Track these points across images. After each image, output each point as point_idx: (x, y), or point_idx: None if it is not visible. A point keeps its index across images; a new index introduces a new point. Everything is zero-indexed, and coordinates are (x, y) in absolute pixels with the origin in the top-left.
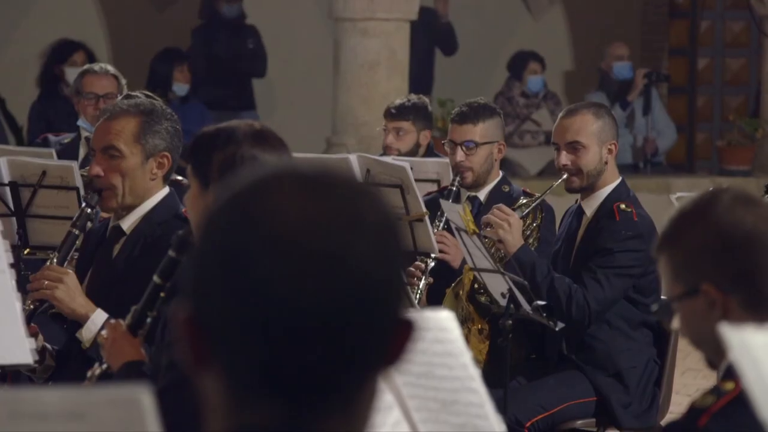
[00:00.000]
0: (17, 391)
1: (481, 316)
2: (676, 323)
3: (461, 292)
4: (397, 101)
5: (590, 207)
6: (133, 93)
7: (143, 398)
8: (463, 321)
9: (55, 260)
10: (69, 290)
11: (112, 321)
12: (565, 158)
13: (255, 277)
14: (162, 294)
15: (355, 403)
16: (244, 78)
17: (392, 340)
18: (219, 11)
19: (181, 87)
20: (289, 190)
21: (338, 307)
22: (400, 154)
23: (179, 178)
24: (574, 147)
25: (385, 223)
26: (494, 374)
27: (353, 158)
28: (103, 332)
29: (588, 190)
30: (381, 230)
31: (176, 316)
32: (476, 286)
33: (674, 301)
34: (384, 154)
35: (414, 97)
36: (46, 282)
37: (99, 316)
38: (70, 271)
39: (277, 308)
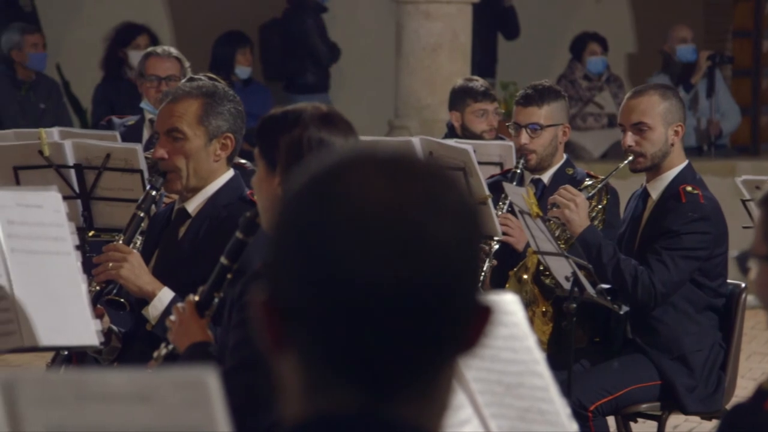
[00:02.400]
0: (84, 372)
1: (545, 298)
2: (752, 276)
3: (525, 275)
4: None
5: (656, 190)
6: (197, 76)
7: (209, 380)
8: (528, 304)
9: (120, 242)
10: (134, 268)
11: (179, 304)
12: (630, 139)
13: (334, 259)
14: (229, 275)
15: (433, 389)
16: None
17: (470, 323)
18: None
19: (243, 70)
20: (368, 171)
21: (417, 290)
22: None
23: (242, 161)
24: (640, 128)
25: (464, 205)
26: (558, 357)
27: (416, 141)
28: (171, 317)
29: (653, 171)
30: (460, 212)
31: (254, 298)
32: (541, 267)
33: (755, 258)
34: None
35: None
36: (111, 263)
37: (165, 294)
38: (134, 251)
39: (355, 290)
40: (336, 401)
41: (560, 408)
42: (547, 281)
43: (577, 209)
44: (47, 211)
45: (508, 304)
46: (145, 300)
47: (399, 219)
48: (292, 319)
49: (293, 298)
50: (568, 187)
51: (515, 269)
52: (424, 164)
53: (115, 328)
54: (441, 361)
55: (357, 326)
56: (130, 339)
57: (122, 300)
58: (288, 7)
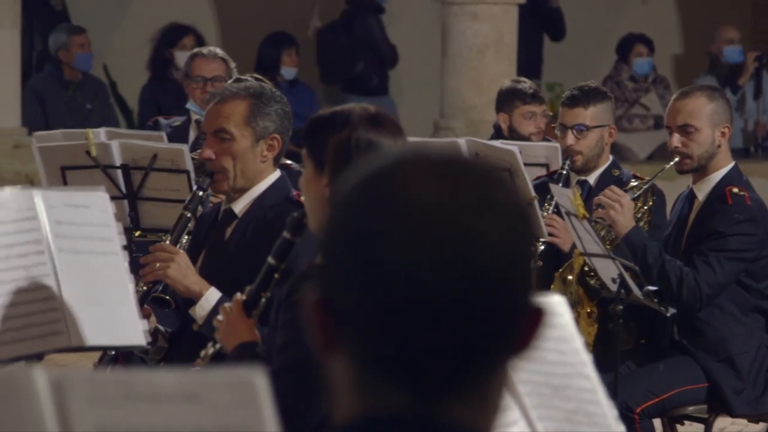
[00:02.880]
0: (133, 372)
1: (590, 300)
2: None
3: (570, 276)
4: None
5: (702, 191)
6: (243, 77)
7: (258, 380)
8: (573, 305)
9: (167, 242)
10: (181, 268)
11: (227, 304)
12: (677, 140)
13: (385, 260)
14: (276, 275)
15: (484, 392)
16: (380, 63)
17: (522, 325)
18: None
19: (289, 71)
20: (419, 173)
21: (469, 291)
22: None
23: (288, 162)
24: (686, 129)
25: (515, 207)
26: (603, 358)
27: (462, 142)
28: (219, 316)
29: (699, 173)
30: (512, 214)
31: (305, 298)
32: (586, 268)
33: None
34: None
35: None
36: (158, 263)
37: (212, 294)
38: (181, 251)
39: (408, 291)
40: (387, 402)
41: (607, 410)
42: (593, 282)
43: (623, 210)
44: (95, 211)
45: (556, 305)
46: (192, 300)
47: (450, 220)
48: (343, 319)
49: (344, 299)
50: (614, 188)
51: (560, 270)
52: (475, 166)
53: (161, 328)
54: (493, 362)
55: (408, 327)
56: (176, 339)
57: (167, 297)
58: (347, 8)
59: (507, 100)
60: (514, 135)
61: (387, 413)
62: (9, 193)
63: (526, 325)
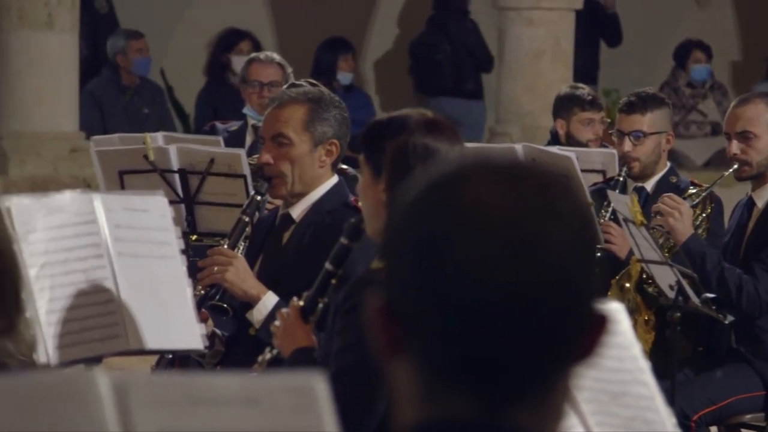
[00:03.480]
0: (194, 376)
1: (647, 307)
2: None
3: (627, 284)
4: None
5: (761, 198)
6: (298, 82)
7: (318, 385)
8: (630, 312)
9: (225, 246)
10: (239, 272)
11: (284, 309)
12: (735, 147)
13: (450, 265)
14: (333, 281)
15: (548, 398)
16: (474, 68)
17: (587, 332)
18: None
19: (345, 76)
20: (485, 178)
21: (534, 297)
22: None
23: (343, 166)
24: (746, 136)
25: (580, 213)
26: (660, 365)
27: (518, 148)
28: (276, 322)
29: (758, 180)
30: (576, 220)
31: (369, 303)
32: (644, 276)
33: None
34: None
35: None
36: (216, 267)
37: (270, 299)
38: (239, 255)
39: (473, 296)
40: (451, 408)
41: (665, 417)
42: (650, 290)
43: (682, 217)
44: (153, 215)
45: (614, 312)
46: (249, 304)
47: (516, 227)
48: (407, 325)
49: (409, 305)
50: (672, 195)
51: (617, 277)
52: (540, 172)
53: (218, 332)
54: (558, 369)
55: (474, 333)
56: (233, 343)
57: (225, 305)
58: (434, 14)
59: (565, 106)
60: (571, 141)
61: (451, 419)
62: (69, 196)
63: (590, 333)
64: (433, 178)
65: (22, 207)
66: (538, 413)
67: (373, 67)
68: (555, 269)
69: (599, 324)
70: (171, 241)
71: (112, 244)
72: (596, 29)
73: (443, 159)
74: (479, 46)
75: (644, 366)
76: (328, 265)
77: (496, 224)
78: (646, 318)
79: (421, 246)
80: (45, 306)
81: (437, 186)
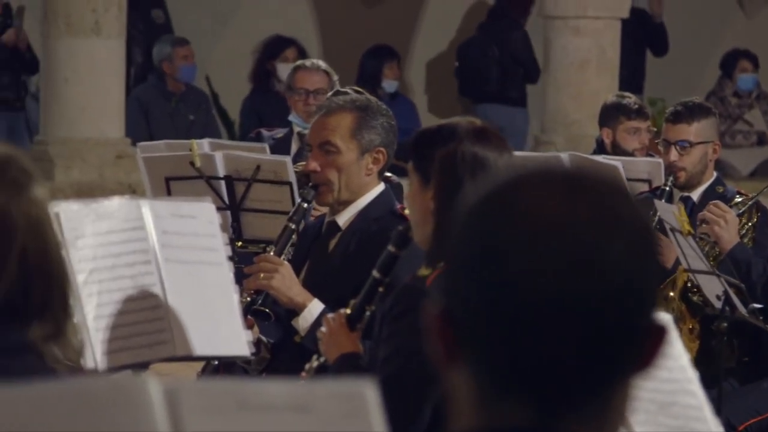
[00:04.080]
0: (244, 382)
1: (692, 316)
2: None
3: (672, 293)
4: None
5: None
6: (343, 89)
7: (368, 392)
8: (675, 321)
9: (271, 253)
10: (285, 279)
11: (329, 315)
12: None
13: (510, 273)
14: (380, 288)
15: (606, 409)
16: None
17: (645, 343)
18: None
19: (390, 84)
20: (546, 187)
21: (594, 306)
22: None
23: (388, 174)
24: None
25: (641, 223)
26: (704, 375)
27: (564, 156)
28: (322, 328)
29: None
30: (638, 230)
31: (427, 310)
32: (689, 284)
33: None
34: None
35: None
36: (263, 273)
37: (315, 306)
38: (285, 262)
39: (532, 305)
40: (508, 416)
41: (713, 427)
42: (695, 299)
43: (728, 226)
44: (201, 221)
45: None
46: (295, 311)
47: (576, 236)
48: (464, 332)
49: (468, 312)
50: (719, 203)
51: (661, 286)
52: (602, 181)
53: (264, 338)
54: (616, 380)
55: (532, 342)
56: (278, 350)
57: (267, 310)
58: (485, 22)
59: (611, 115)
60: (617, 150)
61: (508, 427)
62: (117, 202)
63: (649, 343)
64: (494, 186)
65: (70, 213)
66: (594, 424)
67: (418, 75)
68: (615, 279)
69: (658, 335)
70: (218, 247)
71: (159, 250)
72: (643, 38)
73: (503, 167)
74: (528, 58)
75: (692, 376)
76: (375, 273)
77: (555, 233)
78: (691, 327)
79: (480, 254)
80: (93, 312)
81: (497, 194)
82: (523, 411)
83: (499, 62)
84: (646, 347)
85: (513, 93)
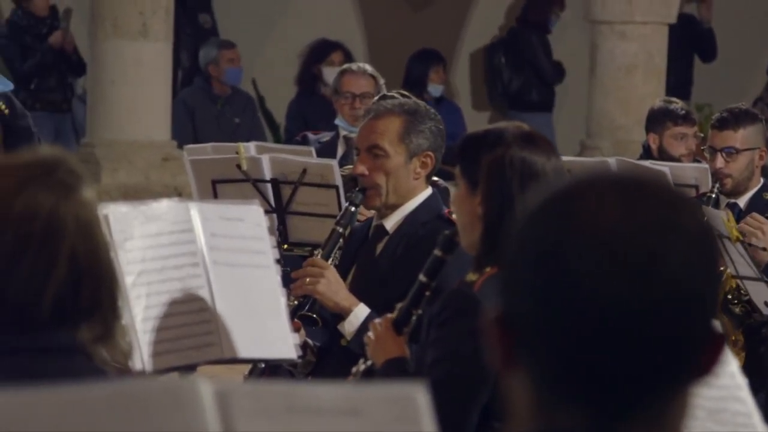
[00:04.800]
0: (295, 385)
1: (734, 327)
2: None
3: None
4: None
5: None
6: (389, 93)
7: (419, 396)
8: None
9: (318, 257)
10: (330, 284)
11: (376, 320)
12: None
13: (568, 278)
14: (427, 293)
15: (664, 416)
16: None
17: (704, 350)
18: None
19: (436, 88)
20: (605, 193)
21: (653, 313)
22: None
23: (435, 178)
24: None
25: (702, 231)
26: (751, 384)
27: (611, 162)
28: (369, 333)
29: None
30: (698, 238)
31: (486, 315)
32: (729, 296)
33: None
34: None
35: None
36: (308, 278)
37: (361, 311)
38: (331, 266)
39: (590, 311)
40: (566, 421)
41: None
42: (737, 310)
43: (764, 237)
44: (249, 224)
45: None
46: (341, 315)
47: (636, 243)
48: (522, 336)
49: (526, 317)
50: (755, 215)
51: None
52: (660, 187)
53: (310, 342)
54: (674, 387)
55: (590, 348)
56: (324, 353)
57: (314, 316)
58: (512, 26)
59: (658, 120)
60: (664, 156)
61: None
62: (166, 205)
63: (708, 350)
64: (552, 192)
65: (119, 215)
66: (653, 430)
67: (463, 79)
68: (675, 284)
69: (716, 342)
70: (266, 250)
71: (207, 253)
72: (690, 43)
73: (564, 173)
74: (542, 62)
75: (741, 382)
76: (422, 277)
77: (616, 238)
78: (734, 339)
79: (539, 258)
80: (141, 313)
81: (556, 199)
82: (581, 416)
83: (518, 67)
84: (705, 355)
85: (535, 98)
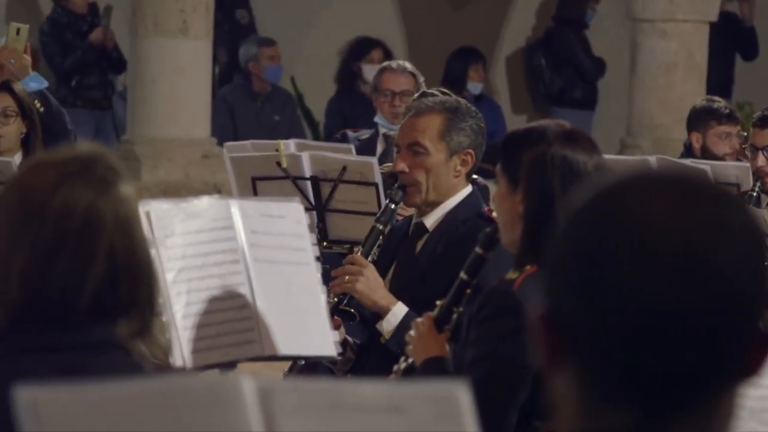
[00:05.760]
0: (338, 382)
1: None
2: None
3: None
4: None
5: None
6: (429, 90)
7: (461, 395)
8: None
9: (358, 254)
10: (369, 282)
11: (418, 319)
12: None
13: (615, 278)
14: (468, 290)
15: (711, 417)
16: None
17: (752, 351)
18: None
19: (475, 86)
20: (652, 191)
21: (700, 312)
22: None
23: (475, 176)
24: None
25: (751, 230)
26: None
27: (652, 160)
28: (411, 331)
29: None
30: (747, 237)
31: (532, 313)
32: None
33: None
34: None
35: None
36: (347, 276)
37: (399, 309)
38: (370, 264)
39: (637, 310)
40: (612, 421)
41: None
42: None
43: None
44: (289, 221)
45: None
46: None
47: (684, 242)
48: (568, 335)
49: (570, 315)
50: None
51: None
52: (707, 185)
53: (350, 339)
54: (721, 387)
55: (637, 347)
56: (363, 351)
57: (352, 310)
58: (550, 24)
59: (701, 119)
60: (707, 155)
61: (613, 431)
62: (207, 202)
63: (756, 350)
64: (599, 189)
65: (160, 212)
66: (699, 429)
67: (502, 77)
68: (721, 287)
69: (763, 342)
70: (306, 247)
71: (248, 250)
72: (732, 42)
73: (610, 171)
74: (583, 58)
75: None
76: (462, 275)
77: (663, 236)
78: None
79: (585, 258)
80: (181, 310)
81: (603, 197)
82: (627, 416)
83: (558, 67)
84: (752, 354)
85: (578, 95)
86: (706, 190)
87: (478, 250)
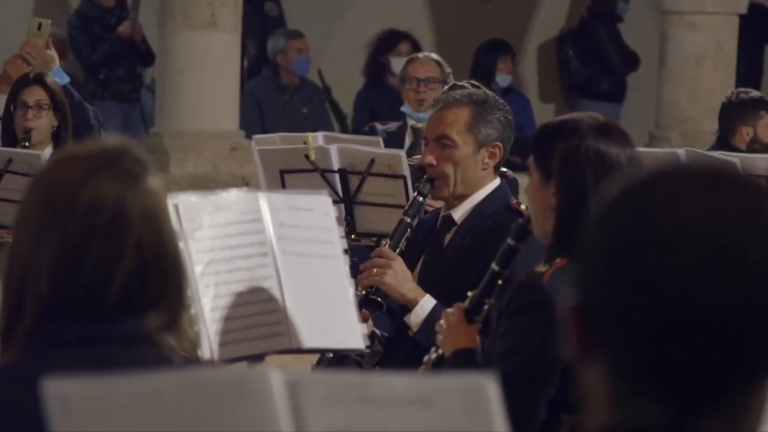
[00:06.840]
0: (366, 375)
1: None
2: None
3: None
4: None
5: None
6: (459, 83)
7: (490, 388)
8: None
9: (386, 247)
10: (397, 275)
11: (448, 310)
12: None
13: (647, 271)
14: (499, 282)
15: (742, 410)
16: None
17: None
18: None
19: (504, 78)
20: (686, 184)
21: (734, 306)
22: None
23: (503, 169)
24: None
25: None
26: None
27: (681, 153)
28: (441, 322)
29: None
30: None
31: (564, 306)
32: None
33: None
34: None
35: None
36: (375, 269)
37: (427, 302)
38: (398, 257)
39: (669, 303)
40: (644, 414)
41: None
42: None
43: None
44: (317, 214)
45: None
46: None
47: (717, 235)
48: (600, 327)
49: (602, 307)
50: None
51: None
52: (741, 179)
53: (378, 332)
54: (753, 381)
55: (669, 340)
56: (391, 344)
57: (379, 299)
58: (584, 15)
59: (748, 111)
60: (756, 147)
61: (643, 426)
62: (235, 195)
63: None
64: (631, 182)
65: (189, 204)
66: (730, 423)
67: (531, 70)
68: (754, 281)
69: None
70: (334, 240)
71: (276, 243)
72: (761, 34)
73: (641, 165)
74: (612, 52)
75: None
76: (494, 266)
77: (694, 229)
78: None
79: (617, 249)
80: (209, 303)
81: (635, 189)
82: (659, 410)
83: (586, 58)
84: None
85: (604, 87)
86: (736, 183)
87: (510, 241)
